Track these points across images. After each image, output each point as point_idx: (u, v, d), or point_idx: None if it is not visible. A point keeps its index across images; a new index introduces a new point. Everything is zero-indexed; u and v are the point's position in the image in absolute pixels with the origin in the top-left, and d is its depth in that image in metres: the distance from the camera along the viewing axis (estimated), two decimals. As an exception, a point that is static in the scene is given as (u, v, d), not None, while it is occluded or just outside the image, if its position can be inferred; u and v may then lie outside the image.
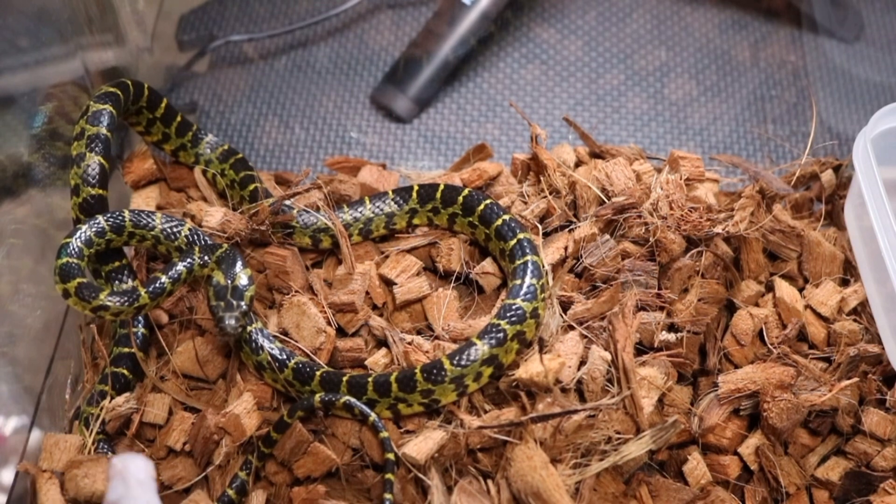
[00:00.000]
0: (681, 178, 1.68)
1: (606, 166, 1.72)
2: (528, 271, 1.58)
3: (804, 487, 1.55)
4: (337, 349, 1.60)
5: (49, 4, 1.75)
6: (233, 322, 1.48)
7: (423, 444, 1.44)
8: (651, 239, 1.61)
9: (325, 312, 1.62)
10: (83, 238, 1.57)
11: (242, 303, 1.50)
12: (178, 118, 1.82)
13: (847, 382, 1.54)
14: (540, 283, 1.57)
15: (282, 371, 1.53)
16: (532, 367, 1.45)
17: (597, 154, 1.83)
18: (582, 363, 1.50)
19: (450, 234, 1.73)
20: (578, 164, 1.82)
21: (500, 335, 1.50)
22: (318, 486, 1.47)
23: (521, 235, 1.62)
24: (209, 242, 1.63)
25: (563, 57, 2.32)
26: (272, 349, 1.55)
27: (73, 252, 1.54)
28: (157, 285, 1.53)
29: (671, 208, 1.63)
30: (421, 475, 1.44)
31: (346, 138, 2.18)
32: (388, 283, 1.67)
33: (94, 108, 1.65)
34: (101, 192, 1.64)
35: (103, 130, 1.64)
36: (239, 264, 1.55)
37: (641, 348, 1.58)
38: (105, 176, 1.65)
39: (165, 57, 2.28)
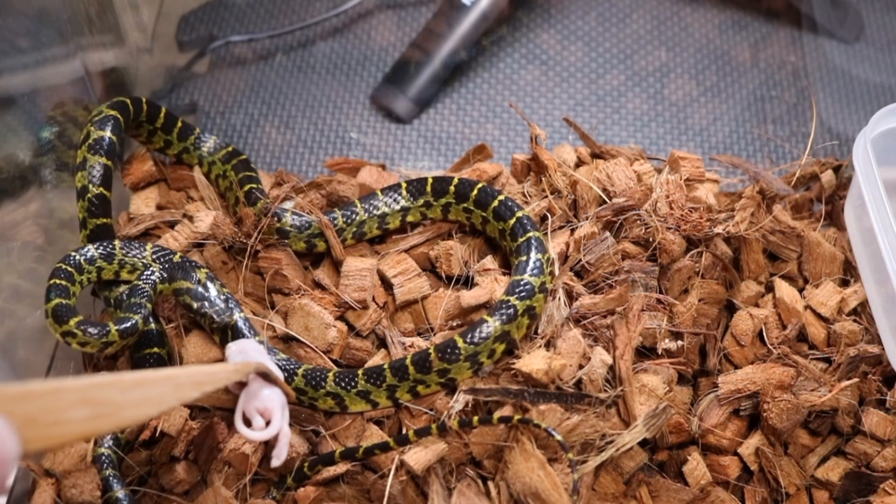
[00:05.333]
0: (681, 179, 1.68)
1: (607, 166, 1.72)
2: (532, 247, 1.58)
3: (804, 488, 1.55)
4: (347, 346, 1.60)
5: (49, 5, 1.75)
6: (223, 313, 1.54)
7: (422, 454, 1.44)
8: (652, 240, 1.61)
9: (335, 310, 1.62)
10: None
11: (219, 294, 1.56)
12: (179, 124, 1.82)
13: (847, 383, 1.54)
14: (545, 257, 1.58)
15: (291, 381, 1.53)
16: (534, 363, 1.45)
17: (597, 155, 1.83)
18: (581, 364, 1.50)
19: (447, 235, 1.74)
20: (579, 164, 1.82)
21: (511, 311, 1.51)
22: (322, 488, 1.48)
23: (519, 213, 1.63)
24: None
25: (564, 58, 2.32)
26: (278, 362, 1.54)
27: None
28: (129, 325, 1.52)
29: (671, 208, 1.63)
30: (420, 481, 1.44)
31: (346, 139, 2.18)
32: (387, 285, 1.67)
33: (96, 135, 1.66)
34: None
35: (103, 160, 1.66)
36: (189, 265, 1.60)
37: (644, 351, 1.58)
38: (107, 206, 1.66)
39: (165, 57, 2.27)
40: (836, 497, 1.55)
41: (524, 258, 1.58)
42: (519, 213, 1.63)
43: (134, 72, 2.11)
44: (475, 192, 1.68)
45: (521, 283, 1.54)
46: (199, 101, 2.21)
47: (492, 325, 1.50)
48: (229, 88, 2.24)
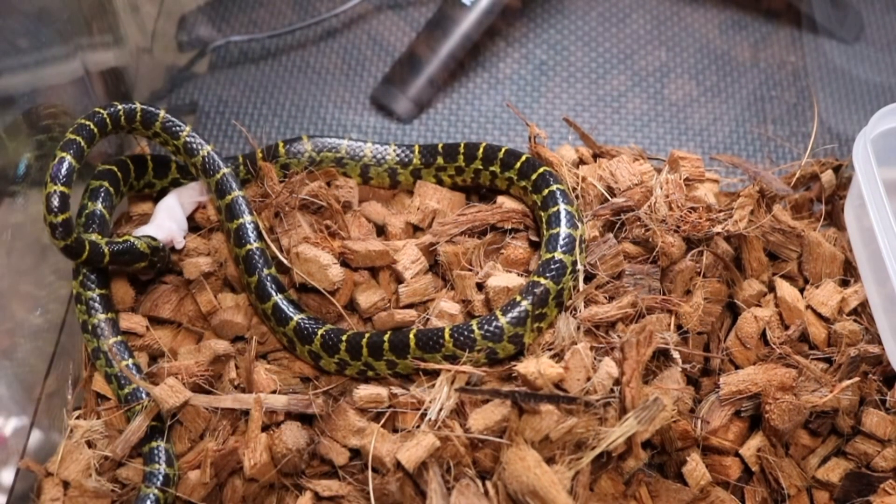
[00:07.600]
0: (680, 178, 1.68)
1: (611, 164, 1.72)
2: (563, 220, 1.60)
3: (805, 489, 1.55)
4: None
5: (49, 5, 1.75)
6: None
7: (413, 450, 1.43)
8: (653, 242, 1.61)
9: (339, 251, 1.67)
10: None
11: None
12: (173, 166, 1.81)
13: (847, 383, 1.54)
14: (578, 233, 1.60)
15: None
16: (531, 366, 1.45)
17: (598, 155, 1.83)
18: (589, 377, 1.48)
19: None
20: (580, 164, 1.82)
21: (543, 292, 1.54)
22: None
23: (554, 187, 1.66)
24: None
25: (564, 58, 2.32)
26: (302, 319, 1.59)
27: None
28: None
29: (671, 209, 1.63)
30: (419, 480, 1.44)
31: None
32: (397, 280, 1.68)
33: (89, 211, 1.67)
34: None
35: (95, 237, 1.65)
36: None
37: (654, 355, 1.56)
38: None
39: (165, 57, 2.27)
40: (836, 497, 1.55)
41: (555, 231, 1.59)
42: (554, 187, 1.66)
43: (134, 72, 2.11)
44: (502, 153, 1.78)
45: (553, 261, 1.56)
46: (199, 101, 2.21)
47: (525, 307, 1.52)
48: (229, 88, 2.24)
